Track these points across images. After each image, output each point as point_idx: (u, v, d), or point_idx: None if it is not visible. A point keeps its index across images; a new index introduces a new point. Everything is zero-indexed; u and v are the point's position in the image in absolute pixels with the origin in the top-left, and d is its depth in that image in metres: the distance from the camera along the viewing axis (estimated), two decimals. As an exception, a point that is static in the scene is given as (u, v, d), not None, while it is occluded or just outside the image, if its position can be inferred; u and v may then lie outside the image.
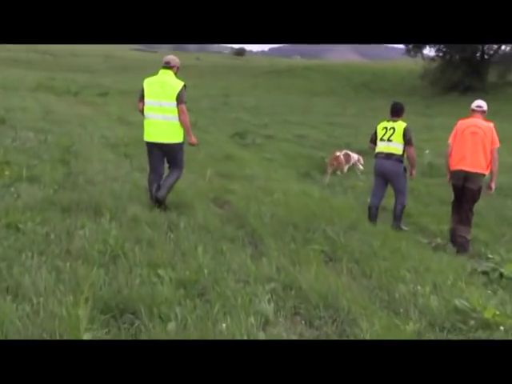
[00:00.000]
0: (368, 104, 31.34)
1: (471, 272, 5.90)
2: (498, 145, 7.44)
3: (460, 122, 7.77)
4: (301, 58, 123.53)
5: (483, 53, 33.19)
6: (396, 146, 7.99)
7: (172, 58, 7.05)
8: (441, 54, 33.79)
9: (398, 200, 8.17)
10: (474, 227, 7.84)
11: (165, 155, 7.13)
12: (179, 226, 6.26)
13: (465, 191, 7.46)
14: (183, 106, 6.86)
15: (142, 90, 7.00)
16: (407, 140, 7.94)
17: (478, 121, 7.57)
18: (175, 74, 7.04)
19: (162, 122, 6.92)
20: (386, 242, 6.71)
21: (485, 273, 5.81)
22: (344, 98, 35.29)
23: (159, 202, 6.91)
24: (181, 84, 6.88)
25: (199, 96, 30.06)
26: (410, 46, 33.17)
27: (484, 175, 7.49)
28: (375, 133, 8.35)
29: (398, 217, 8.16)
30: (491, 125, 7.52)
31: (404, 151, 8.02)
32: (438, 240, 7.45)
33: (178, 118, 6.89)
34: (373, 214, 8.23)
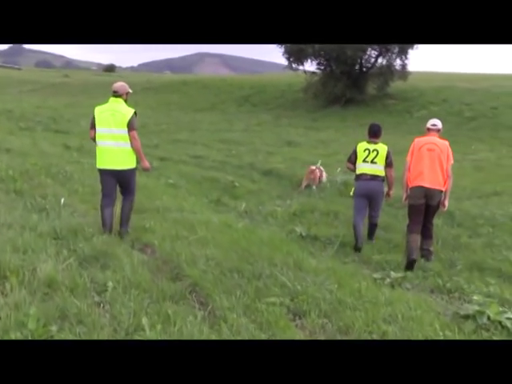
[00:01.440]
0: (253, 119, 30.89)
1: (453, 317, 5.21)
2: (452, 162, 7.70)
3: (417, 140, 7.93)
4: (171, 72, 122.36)
5: (361, 66, 33.91)
6: (380, 169, 8.29)
7: (120, 86, 7.11)
8: (322, 68, 34.08)
9: (373, 218, 8.49)
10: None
11: (117, 181, 7.22)
12: (107, 286, 5.07)
13: (427, 208, 7.61)
14: (135, 133, 6.99)
15: (93, 118, 7.06)
16: (389, 162, 8.30)
17: (433, 138, 7.77)
18: (125, 101, 7.13)
19: (114, 148, 7.02)
20: (342, 283, 5.92)
21: (468, 316, 5.11)
22: (227, 113, 34.68)
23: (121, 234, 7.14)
24: (131, 111, 7.01)
25: (76, 116, 28.19)
26: (292, 59, 33.16)
27: (442, 191, 7.60)
28: (355, 153, 8.52)
29: (373, 231, 8.60)
30: (446, 143, 7.76)
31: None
32: (391, 274, 6.75)
33: (130, 144, 7.00)
34: (359, 233, 8.25)
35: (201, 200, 10.91)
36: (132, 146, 7.01)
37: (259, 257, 6.73)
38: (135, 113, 7.04)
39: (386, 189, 8.64)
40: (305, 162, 15.99)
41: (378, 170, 8.30)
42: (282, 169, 14.23)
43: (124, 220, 7.29)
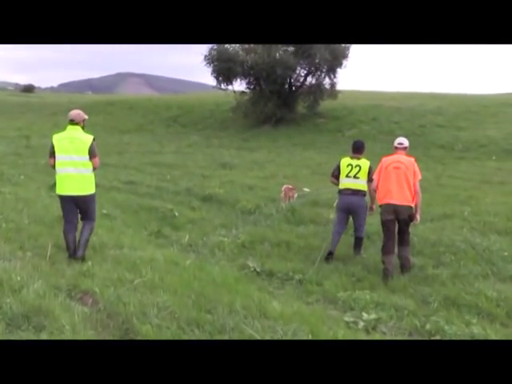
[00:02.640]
0: (183, 140, 30.04)
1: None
2: (420, 177, 8.01)
3: (384, 159, 8.22)
4: (92, 92, 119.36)
5: (291, 85, 33.73)
6: (363, 183, 8.62)
7: (76, 114, 7.32)
8: (251, 87, 33.66)
9: (359, 232, 8.78)
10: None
11: (77, 207, 7.36)
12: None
13: (399, 223, 7.90)
14: (97, 160, 7.27)
15: (52, 147, 7.21)
16: (371, 177, 8.50)
17: (400, 156, 8.11)
18: (82, 127, 7.31)
19: (74, 175, 7.17)
20: (315, 332, 5.22)
21: None
22: (156, 134, 33.61)
23: (78, 258, 7.18)
24: (91, 138, 7.22)
25: (-8, 139, 26.57)
26: (220, 78, 32.54)
27: (411, 207, 7.87)
28: (338, 168, 8.86)
29: (359, 247, 8.81)
30: (412, 159, 8.09)
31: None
32: (363, 316, 6.12)
33: (90, 170, 7.24)
34: (335, 242, 8.69)
35: (140, 232, 10.02)
36: (93, 168, 7.28)
37: (217, 302, 5.98)
38: (94, 139, 7.25)
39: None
40: (243, 185, 15.37)
41: (361, 184, 8.65)
42: (221, 194, 13.48)
43: (82, 245, 7.36)
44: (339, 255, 8.70)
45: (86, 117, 7.47)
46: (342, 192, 8.79)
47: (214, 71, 32.63)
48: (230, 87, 33.46)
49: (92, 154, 7.17)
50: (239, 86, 33.95)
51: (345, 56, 32.48)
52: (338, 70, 32.91)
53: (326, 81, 33.19)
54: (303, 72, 33.68)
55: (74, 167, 7.15)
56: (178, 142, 29.46)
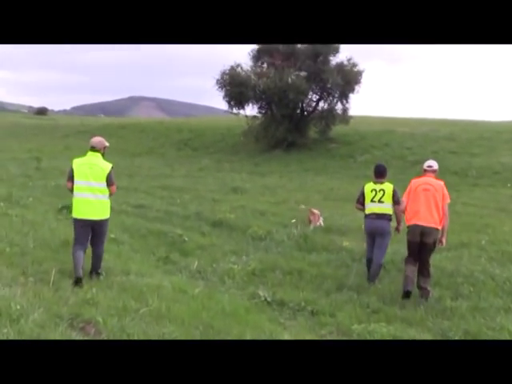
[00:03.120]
0: (194, 164, 29.91)
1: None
2: (448, 200, 8.19)
3: (413, 181, 8.45)
4: (104, 116, 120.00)
5: (302, 109, 33.64)
6: (388, 207, 8.65)
7: (98, 142, 7.58)
8: (263, 111, 33.60)
9: (378, 259, 8.64)
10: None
11: (92, 230, 7.54)
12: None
13: (422, 246, 7.94)
14: (114, 187, 7.56)
15: (72, 171, 7.46)
16: (396, 200, 8.60)
17: (429, 179, 8.31)
18: (103, 155, 7.55)
19: (92, 200, 7.41)
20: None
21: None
22: (166, 157, 33.53)
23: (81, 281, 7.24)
24: (109, 166, 7.48)
25: (4, 160, 26.53)
26: (232, 102, 32.51)
27: (438, 229, 7.98)
28: (362, 194, 8.96)
29: (376, 273, 8.67)
30: (442, 183, 8.27)
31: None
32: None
33: (106, 196, 7.51)
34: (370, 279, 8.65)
35: (147, 258, 9.76)
36: (110, 194, 7.56)
37: (226, 334, 5.71)
38: (112, 167, 7.51)
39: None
40: (254, 210, 15.11)
41: (386, 208, 8.67)
42: (232, 219, 13.21)
43: (96, 266, 7.67)
44: (352, 284, 8.40)
45: (107, 144, 7.72)
46: (367, 216, 8.87)
47: (226, 95, 32.59)
48: (241, 111, 33.35)
49: (110, 181, 7.45)
50: (251, 110, 33.92)
51: (357, 81, 32.36)
52: (351, 95, 32.79)
53: (338, 106, 33.08)
54: (315, 97, 33.61)
55: (92, 193, 7.41)
56: (189, 165, 29.32)
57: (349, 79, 31.82)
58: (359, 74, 32.49)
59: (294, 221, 13.13)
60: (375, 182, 8.86)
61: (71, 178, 7.48)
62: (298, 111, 33.39)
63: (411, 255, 8.09)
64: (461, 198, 18.78)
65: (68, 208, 14.01)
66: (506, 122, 44.54)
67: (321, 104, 33.42)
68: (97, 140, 7.64)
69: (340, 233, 11.93)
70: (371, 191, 8.80)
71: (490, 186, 21.79)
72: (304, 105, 33.49)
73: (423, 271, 7.95)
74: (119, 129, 43.52)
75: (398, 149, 30.05)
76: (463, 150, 29.00)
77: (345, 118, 32.76)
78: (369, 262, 8.81)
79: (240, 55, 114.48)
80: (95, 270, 7.69)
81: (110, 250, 9.77)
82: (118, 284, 7.38)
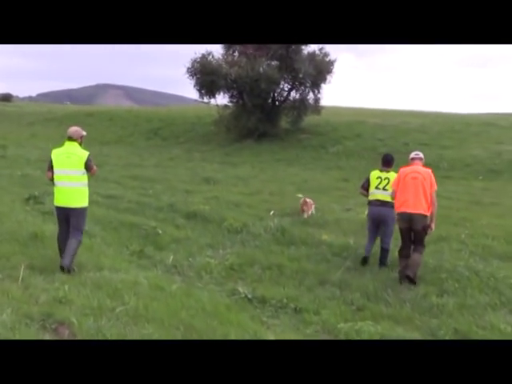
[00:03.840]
0: (164, 153, 29.41)
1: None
2: (436, 188, 8.37)
3: (402, 170, 8.56)
4: (71, 103, 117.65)
5: (274, 99, 33.31)
6: (391, 195, 8.70)
7: (74, 131, 7.77)
8: (234, 101, 33.16)
9: (385, 244, 9.03)
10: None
11: (69, 217, 7.74)
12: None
13: (414, 233, 8.27)
14: (95, 168, 7.86)
15: (51, 161, 7.73)
16: None
17: (417, 167, 8.48)
18: (80, 144, 7.77)
19: (69, 188, 7.68)
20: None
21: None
22: (136, 146, 32.92)
23: (65, 269, 7.33)
24: (86, 153, 7.70)
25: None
26: (203, 91, 31.98)
27: (426, 216, 8.22)
28: (368, 181, 9.29)
29: (384, 259, 9.01)
30: (429, 170, 8.45)
31: None
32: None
33: (84, 184, 7.80)
34: (367, 253, 9.12)
35: (121, 252, 9.39)
36: (92, 174, 7.87)
37: (208, 334, 5.41)
38: (89, 154, 7.74)
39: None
40: (228, 201, 14.80)
41: (389, 196, 8.82)
42: (206, 211, 12.86)
43: (68, 255, 7.54)
44: (335, 280, 8.17)
45: (84, 133, 7.91)
46: (371, 203, 9.20)
47: (196, 84, 32.04)
48: (212, 100, 32.88)
49: (89, 167, 7.69)
50: (222, 99, 33.46)
51: (329, 71, 32.15)
52: (322, 84, 32.57)
53: (310, 96, 32.82)
54: (287, 87, 33.30)
55: (69, 181, 7.66)
56: (159, 155, 28.82)
57: (321, 69, 31.59)
58: (331, 63, 32.27)
59: (272, 213, 12.85)
60: (381, 170, 9.19)
61: (51, 168, 7.74)
62: (270, 101, 33.03)
63: (405, 243, 8.40)
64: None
65: (35, 198, 13.58)
66: (475, 114, 45.05)
67: (292, 94, 33.15)
68: (73, 129, 7.83)
69: (318, 226, 11.69)
70: (377, 178, 9.13)
71: (462, 178, 21.85)
72: (276, 94, 33.15)
73: (416, 248, 8.29)
74: (87, 117, 42.65)
75: (369, 140, 30.00)
76: (434, 142, 29.08)
77: (317, 108, 32.55)
78: (365, 260, 9.03)
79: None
80: (66, 258, 7.56)
81: (82, 244, 9.40)
82: (92, 280, 7.03)
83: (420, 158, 8.67)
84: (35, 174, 18.28)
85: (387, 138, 30.01)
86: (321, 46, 31.77)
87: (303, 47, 31.83)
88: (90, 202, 13.80)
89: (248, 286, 7.87)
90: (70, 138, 7.71)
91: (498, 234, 10.99)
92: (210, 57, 32.00)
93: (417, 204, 8.14)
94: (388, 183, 8.94)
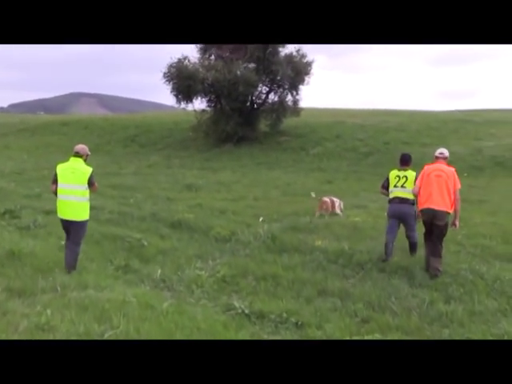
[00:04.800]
0: (143, 160, 28.85)
1: None
2: (459, 186, 8.47)
3: (426, 167, 8.76)
4: (44, 113, 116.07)
5: (252, 102, 32.89)
6: (410, 192, 9.02)
7: (81, 148, 8.28)
8: (212, 105, 32.67)
9: (411, 238, 9.33)
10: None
11: (70, 229, 8.19)
12: None
13: (433, 228, 8.42)
14: (96, 185, 8.20)
15: (56, 175, 8.12)
16: None
17: (441, 165, 8.65)
18: (85, 160, 8.23)
19: (72, 202, 8.04)
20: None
21: None
22: (113, 154, 32.25)
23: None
24: (90, 169, 8.11)
25: None
26: (180, 96, 31.45)
27: (449, 213, 8.39)
28: (387, 180, 9.52)
29: (414, 249, 9.35)
30: (453, 169, 8.60)
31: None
32: None
33: (86, 198, 8.12)
34: (389, 250, 9.15)
35: (105, 267, 8.84)
36: (93, 190, 8.19)
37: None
38: (93, 170, 8.13)
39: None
40: (213, 209, 14.35)
41: (408, 193, 9.09)
42: (191, 219, 12.39)
43: (71, 264, 8.15)
44: (334, 290, 7.73)
45: (89, 153, 8.45)
46: (391, 201, 9.38)
47: (173, 89, 31.53)
48: (190, 105, 32.38)
49: (91, 182, 8.06)
50: (199, 104, 33.00)
51: (307, 72, 31.87)
52: (301, 86, 32.28)
53: (289, 98, 32.51)
54: (265, 89, 32.97)
55: (73, 195, 8.04)
56: (137, 162, 28.25)
57: (299, 70, 31.33)
58: (308, 64, 32.02)
59: (261, 219, 12.41)
60: (399, 169, 9.44)
61: (55, 182, 8.14)
62: (248, 104, 32.68)
63: (427, 232, 8.62)
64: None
65: (11, 212, 12.97)
66: (449, 111, 45.16)
67: (271, 96, 32.86)
68: (80, 147, 8.34)
69: (308, 231, 11.27)
70: (395, 177, 9.37)
71: (447, 176, 21.60)
72: (254, 97, 32.80)
73: (435, 252, 8.36)
74: (61, 126, 41.87)
75: (349, 140, 29.79)
76: (414, 140, 28.97)
77: (296, 110, 32.28)
78: (386, 245, 9.19)
79: (186, 47, 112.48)
80: (69, 268, 8.08)
81: (62, 260, 8.87)
82: (76, 302, 6.50)
83: (444, 157, 8.77)
84: (9, 186, 17.60)
85: (367, 138, 29.83)
86: (298, 47, 31.50)
87: (280, 49, 31.56)
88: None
89: (243, 299, 7.40)
90: (77, 154, 8.19)
91: (494, 233, 10.70)
92: (186, 61, 31.56)
93: (440, 201, 8.33)
94: (406, 181, 9.19)
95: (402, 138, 29.56)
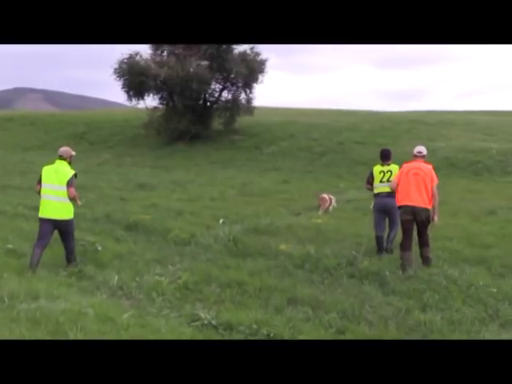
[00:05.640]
0: (92, 158, 27.88)
1: None
2: (437, 182, 8.90)
3: (405, 165, 9.07)
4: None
5: (206, 100, 32.32)
6: (392, 187, 9.25)
7: (65, 151, 8.68)
8: (164, 102, 31.94)
9: (392, 230, 9.84)
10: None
11: (57, 229, 8.50)
12: None
13: (417, 224, 8.75)
14: (72, 189, 8.36)
15: (40, 176, 8.51)
16: None
17: (419, 164, 8.97)
18: (69, 163, 8.64)
19: (55, 202, 8.37)
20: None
21: None
22: (61, 151, 31.11)
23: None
24: (71, 172, 8.48)
25: None
26: (132, 92, 30.62)
27: (428, 209, 8.72)
28: (371, 175, 10.00)
29: (391, 241, 9.82)
30: (430, 167, 9.00)
31: None
32: None
33: (68, 199, 8.37)
34: (381, 243, 9.71)
35: (57, 273, 8.21)
36: (69, 196, 8.38)
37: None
38: (75, 174, 8.54)
39: None
40: (169, 209, 13.81)
41: None
42: (147, 221, 11.82)
43: (70, 258, 8.61)
44: (304, 297, 7.34)
45: (74, 153, 8.80)
46: (377, 195, 9.86)
47: (124, 85, 30.68)
48: (141, 102, 31.56)
49: (69, 184, 8.34)
50: (151, 101, 32.21)
51: (261, 70, 31.51)
52: (254, 84, 31.90)
53: (242, 96, 32.07)
54: (218, 87, 32.44)
55: (56, 195, 8.37)
56: (87, 160, 27.21)
57: (252, 68, 30.91)
58: (262, 63, 31.66)
59: (222, 221, 11.95)
60: (382, 165, 9.89)
61: (39, 182, 8.52)
62: (201, 102, 32.08)
63: (406, 236, 8.75)
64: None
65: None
66: (401, 112, 45.55)
67: (224, 94, 32.34)
68: (63, 149, 8.74)
69: (270, 234, 10.89)
70: (380, 173, 9.82)
71: (404, 176, 21.60)
72: (207, 95, 32.22)
73: (422, 243, 8.78)
74: (6, 121, 40.17)
75: (303, 140, 29.57)
76: (368, 139, 28.96)
77: (249, 108, 31.85)
78: (378, 239, 9.71)
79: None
80: (69, 262, 8.53)
81: (9, 266, 8.26)
82: (27, 315, 5.93)
83: (423, 156, 9.11)
84: None
85: (321, 138, 29.67)
86: (252, 45, 31.06)
87: (234, 46, 31.06)
88: (15, 214, 12.72)
89: (209, 308, 6.92)
90: (61, 157, 8.61)
91: (458, 235, 10.61)
92: (138, 57, 30.70)
93: (418, 198, 8.61)
94: (391, 175, 9.60)
95: (355, 137, 29.52)
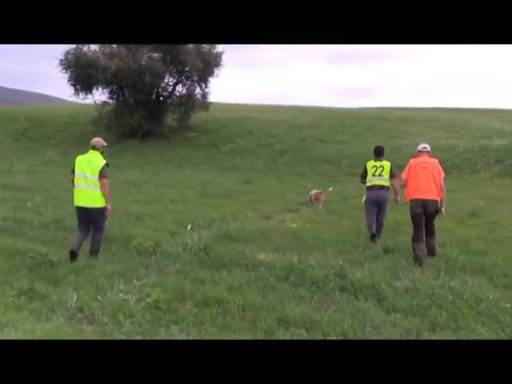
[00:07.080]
0: (36, 156, 26.31)
1: None
2: (443, 175, 9.26)
3: (412, 160, 9.43)
4: None
5: (158, 94, 30.96)
6: (386, 180, 10.45)
7: (97, 141, 9.00)
8: (114, 97, 30.42)
9: (380, 220, 10.50)
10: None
11: (88, 217, 8.80)
12: None
13: (427, 215, 8.99)
14: (105, 180, 8.71)
15: (74, 165, 8.81)
16: (392, 174, 10.48)
17: (425, 158, 9.37)
18: (101, 153, 8.97)
19: (86, 190, 8.70)
20: None
21: None
22: (1, 150, 29.02)
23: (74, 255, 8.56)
24: (103, 162, 8.80)
25: None
26: (79, 86, 29.00)
27: (437, 201, 9.04)
28: (365, 170, 10.65)
29: (380, 230, 10.44)
30: (436, 160, 9.35)
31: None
32: None
33: (99, 188, 8.69)
34: (372, 227, 10.26)
35: (3, 292, 7.00)
36: (101, 190, 8.65)
37: None
38: (107, 164, 8.76)
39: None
40: (127, 213, 12.62)
41: (385, 181, 10.45)
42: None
43: (93, 249, 8.82)
44: (295, 317, 6.35)
45: (105, 144, 9.10)
46: (370, 188, 10.53)
47: (70, 78, 29.05)
48: (89, 97, 29.96)
49: (101, 175, 8.63)
50: (100, 95, 30.66)
51: (217, 64, 30.41)
52: (210, 78, 30.78)
53: (198, 91, 30.92)
54: (172, 81, 31.18)
55: (87, 184, 8.64)
56: (30, 158, 25.66)
57: (208, 61, 29.79)
58: (218, 56, 30.57)
59: (190, 227, 10.87)
60: (375, 160, 10.60)
61: (73, 171, 8.77)
62: (154, 96, 30.73)
63: (417, 228, 8.98)
64: (346, 189, 17.63)
65: None
66: (363, 108, 45.24)
67: (178, 89, 31.14)
68: (96, 140, 9.00)
69: (243, 240, 9.89)
70: (372, 167, 10.50)
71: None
72: (160, 89, 30.87)
73: (429, 232, 9.02)
74: None
75: (262, 137, 28.71)
76: (329, 137, 28.37)
77: (205, 103, 30.74)
78: (370, 224, 10.31)
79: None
80: (94, 254, 8.77)
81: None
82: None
83: (428, 151, 9.49)
84: None
85: (281, 135, 28.90)
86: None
87: (189, 39, 29.82)
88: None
89: (187, 333, 5.91)
90: (93, 147, 8.85)
91: (448, 240, 9.92)
92: (86, 48, 29.06)
93: (428, 191, 8.93)
94: (383, 170, 10.37)
95: (316, 135, 28.83)
